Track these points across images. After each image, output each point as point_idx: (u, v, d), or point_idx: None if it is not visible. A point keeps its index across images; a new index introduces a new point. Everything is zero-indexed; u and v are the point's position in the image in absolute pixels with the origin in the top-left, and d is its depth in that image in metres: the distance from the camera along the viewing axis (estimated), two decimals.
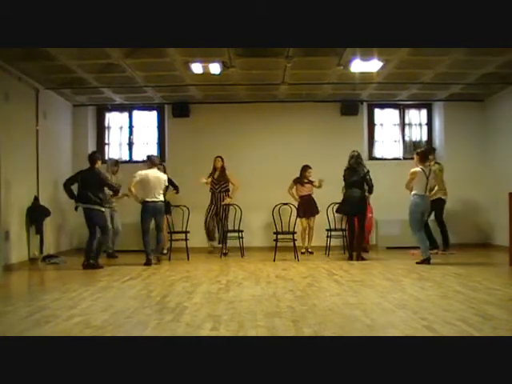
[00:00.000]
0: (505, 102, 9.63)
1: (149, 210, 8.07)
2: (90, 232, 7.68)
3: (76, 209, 7.83)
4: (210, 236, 9.57)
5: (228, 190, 9.48)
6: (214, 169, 9.46)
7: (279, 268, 7.47)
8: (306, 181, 9.38)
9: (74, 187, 7.76)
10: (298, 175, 9.44)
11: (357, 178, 8.24)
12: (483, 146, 10.41)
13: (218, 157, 9.53)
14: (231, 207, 9.21)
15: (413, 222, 7.69)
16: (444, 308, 4.44)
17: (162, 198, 8.14)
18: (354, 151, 8.45)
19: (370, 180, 8.27)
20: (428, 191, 7.72)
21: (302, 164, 9.46)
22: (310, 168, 9.37)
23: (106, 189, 7.92)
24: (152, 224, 8.24)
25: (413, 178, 7.67)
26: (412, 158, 10.14)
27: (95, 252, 7.58)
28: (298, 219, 9.11)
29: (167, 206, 8.91)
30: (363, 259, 8.17)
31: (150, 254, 7.99)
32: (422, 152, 7.92)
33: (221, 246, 9.40)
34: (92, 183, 7.57)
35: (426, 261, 7.51)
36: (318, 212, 9.36)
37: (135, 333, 3.76)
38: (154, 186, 8.06)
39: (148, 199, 8.04)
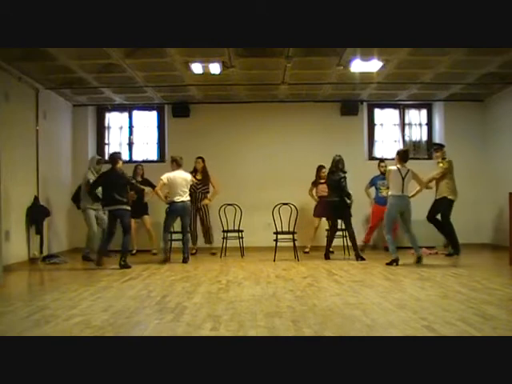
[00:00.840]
0: (505, 101, 9.63)
1: (177, 210, 8.23)
2: (108, 232, 7.67)
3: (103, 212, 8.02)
4: (193, 239, 9.43)
5: (208, 192, 9.42)
6: (195, 170, 9.39)
7: (279, 268, 7.47)
8: (321, 181, 9.40)
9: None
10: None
11: (332, 183, 8.44)
12: (483, 146, 10.42)
13: (199, 158, 9.49)
14: (232, 207, 9.20)
15: (386, 223, 7.75)
16: (444, 308, 4.44)
17: (188, 197, 8.34)
18: (336, 155, 8.56)
19: (344, 186, 8.30)
20: (405, 191, 7.56)
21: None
22: (324, 168, 9.33)
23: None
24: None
25: (387, 176, 7.81)
26: (412, 158, 10.20)
27: (124, 252, 7.58)
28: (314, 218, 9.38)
29: (145, 207, 9.16)
30: (362, 259, 8.20)
31: (166, 253, 8.31)
32: (402, 152, 7.88)
33: (210, 246, 9.44)
34: (117, 184, 7.59)
35: (394, 261, 7.53)
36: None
37: (135, 333, 3.76)
38: (181, 187, 8.26)
39: (176, 200, 8.20)
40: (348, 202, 8.33)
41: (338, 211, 8.40)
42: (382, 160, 9.79)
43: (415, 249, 7.68)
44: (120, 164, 7.81)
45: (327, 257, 8.52)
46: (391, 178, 7.66)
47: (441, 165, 8.48)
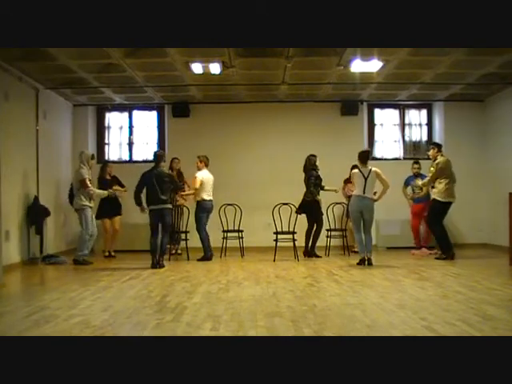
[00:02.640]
0: (505, 101, 9.63)
1: (209, 208, 8.58)
2: (156, 231, 7.65)
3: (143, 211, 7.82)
4: (176, 240, 9.34)
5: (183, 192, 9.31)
6: (171, 169, 9.30)
7: (279, 268, 7.47)
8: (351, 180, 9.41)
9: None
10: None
11: (304, 182, 8.79)
12: (483, 146, 10.41)
13: (175, 158, 9.48)
14: (232, 207, 9.19)
15: (352, 223, 7.91)
16: (444, 308, 4.44)
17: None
18: (310, 155, 8.82)
19: (308, 185, 8.68)
20: (367, 192, 7.57)
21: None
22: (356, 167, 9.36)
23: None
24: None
25: (352, 179, 7.99)
26: (411, 159, 10.22)
27: (162, 251, 7.65)
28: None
29: (120, 207, 9.15)
30: (317, 256, 8.64)
31: (211, 249, 8.62)
32: (360, 153, 7.92)
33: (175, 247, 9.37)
34: (161, 183, 7.62)
35: (362, 261, 7.56)
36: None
37: (135, 333, 3.76)
38: (211, 186, 8.61)
39: (207, 198, 8.50)
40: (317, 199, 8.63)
41: (306, 209, 8.68)
42: (416, 161, 9.58)
43: (361, 250, 7.70)
44: (163, 163, 7.94)
45: (306, 254, 8.71)
46: (355, 179, 7.79)
47: (432, 169, 8.34)
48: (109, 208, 8.95)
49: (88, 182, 8.02)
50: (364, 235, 7.63)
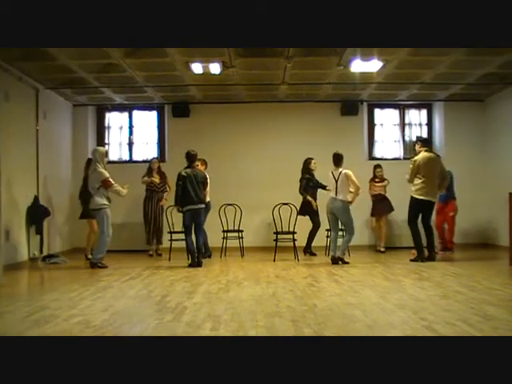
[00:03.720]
0: (505, 101, 9.63)
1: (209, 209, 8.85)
2: (190, 232, 7.76)
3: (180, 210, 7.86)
4: (150, 240, 9.35)
5: (164, 191, 9.38)
6: (151, 169, 9.35)
7: (279, 268, 7.47)
8: (376, 180, 9.58)
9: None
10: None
11: None
12: (483, 146, 10.42)
13: (155, 158, 9.58)
14: (232, 207, 9.20)
15: (329, 222, 8.25)
16: (444, 308, 4.44)
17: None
18: (307, 158, 9.11)
19: (300, 187, 9.00)
20: (338, 194, 7.78)
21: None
22: (380, 167, 9.59)
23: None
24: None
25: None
26: (411, 158, 10.21)
27: (199, 250, 7.79)
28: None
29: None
30: (312, 254, 8.99)
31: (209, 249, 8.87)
32: (333, 155, 8.04)
33: (155, 247, 9.40)
34: (198, 183, 7.75)
35: (331, 259, 7.90)
36: (389, 211, 9.50)
37: (135, 333, 3.76)
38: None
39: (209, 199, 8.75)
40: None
41: (303, 210, 8.95)
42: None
43: (331, 249, 8.03)
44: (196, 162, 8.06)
45: (305, 252, 9.16)
46: (329, 181, 8.10)
47: (410, 166, 8.08)
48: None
49: (112, 180, 7.60)
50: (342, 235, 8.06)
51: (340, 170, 7.86)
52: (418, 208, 8.02)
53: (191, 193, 7.63)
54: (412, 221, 8.06)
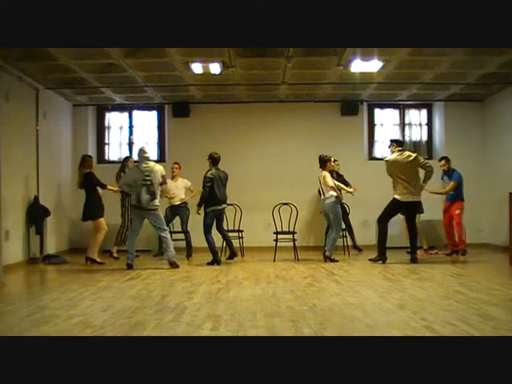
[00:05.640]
0: (505, 101, 9.63)
1: None
2: (208, 231, 7.91)
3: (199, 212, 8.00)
4: (125, 240, 8.86)
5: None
6: (124, 167, 9.05)
7: (279, 268, 7.47)
8: None
9: None
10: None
11: None
12: (483, 146, 10.42)
13: (130, 157, 9.31)
14: (232, 207, 9.19)
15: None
16: (444, 308, 4.44)
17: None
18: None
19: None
20: (323, 195, 8.18)
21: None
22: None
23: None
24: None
25: None
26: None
27: (230, 246, 8.18)
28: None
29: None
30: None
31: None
32: (318, 157, 8.33)
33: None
34: (222, 184, 7.97)
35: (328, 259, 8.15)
36: (418, 212, 8.72)
37: (135, 333, 3.76)
38: None
39: None
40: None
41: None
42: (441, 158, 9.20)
43: (330, 250, 8.18)
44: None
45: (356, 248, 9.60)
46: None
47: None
48: (94, 209, 8.20)
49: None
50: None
51: (320, 172, 8.26)
52: (395, 210, 7.94)
53: (218, 194, 7.82)
54: (382, 219, 7.93)
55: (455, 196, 8.76)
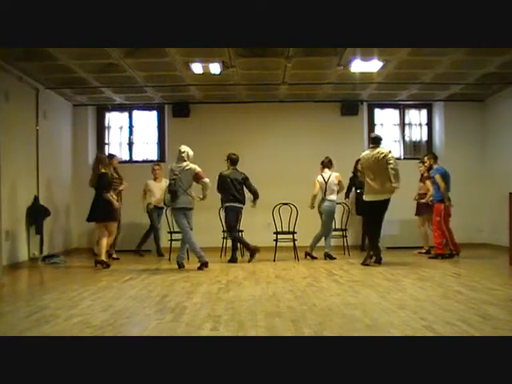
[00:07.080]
0: (505, 101, 9.63)
1: None
2: (233, 229, 8.33)
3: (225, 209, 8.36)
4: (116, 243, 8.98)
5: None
6: (113, 168, 8.84)
7: (279, 268, 7.47)
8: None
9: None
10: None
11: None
12: (483, 146, 10.42)
13: (115, 156, 9.17)
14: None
15: None
16: (444, 308, 4.44)
17: None
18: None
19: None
20: (327, 194, 8.44)
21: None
22: (422, 163, 9.08)
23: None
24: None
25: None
26: (411, 159, 10.24)
27: (246, 246, 8.39)
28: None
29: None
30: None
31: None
32: (327, 159, 8.71)
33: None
34: (237, 183, 8.29)
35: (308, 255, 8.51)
36: (428, 212, 8.85)
37: (135, 333, 3.76)
38: None
39: None
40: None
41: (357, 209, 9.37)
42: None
43: (326, 246, 8.52)
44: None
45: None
46: (318, 183, 8.64)
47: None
48: (104, 211, 7.88)
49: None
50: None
51: (329, 172, 8.52)
52: (365, 210, 7.85)
53: (242, 194, 8.29)
54: (366, 223, 8.13)
55: (435, 196, 8.44)
